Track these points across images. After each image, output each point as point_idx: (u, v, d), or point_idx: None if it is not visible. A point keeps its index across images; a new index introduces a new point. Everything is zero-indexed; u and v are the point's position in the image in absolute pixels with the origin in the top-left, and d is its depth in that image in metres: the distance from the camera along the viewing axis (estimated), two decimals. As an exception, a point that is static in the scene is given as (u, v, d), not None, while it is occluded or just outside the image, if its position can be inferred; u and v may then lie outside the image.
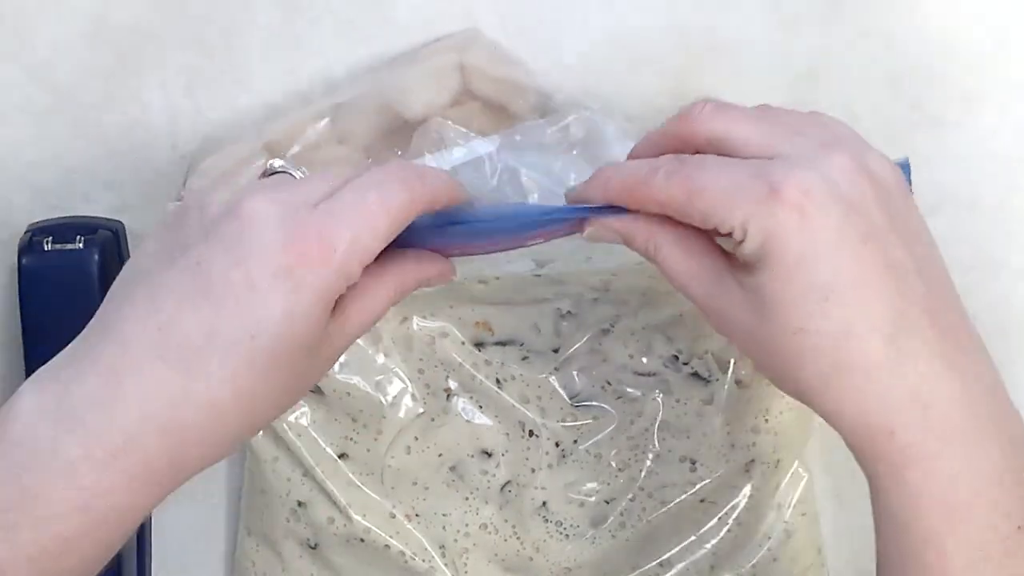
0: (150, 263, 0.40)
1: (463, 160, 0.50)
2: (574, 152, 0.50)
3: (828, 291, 0.38)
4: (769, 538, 0.57)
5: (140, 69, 0.55)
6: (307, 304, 0.39)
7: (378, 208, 0.39)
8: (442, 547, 0.56)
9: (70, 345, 0.40)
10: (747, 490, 0.56)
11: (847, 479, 0.60)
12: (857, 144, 0.41)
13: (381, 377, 0.55)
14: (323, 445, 0.55)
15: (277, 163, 0.45)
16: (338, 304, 0.40)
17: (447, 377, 0.55)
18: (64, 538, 0.37)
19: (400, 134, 0.53)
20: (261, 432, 0.56)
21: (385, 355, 0.55)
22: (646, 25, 0.55)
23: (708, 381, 0.55)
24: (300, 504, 0.56)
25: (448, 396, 0.55)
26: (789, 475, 0.57)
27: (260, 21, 0.55)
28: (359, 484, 0.55)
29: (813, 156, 0.39)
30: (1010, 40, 0.57)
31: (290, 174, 0.44)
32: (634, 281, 0.53)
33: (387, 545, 0.56)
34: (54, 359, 0.40)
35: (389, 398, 0.55)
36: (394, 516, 0.56)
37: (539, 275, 0.53)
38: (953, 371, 0.39)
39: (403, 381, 0.55)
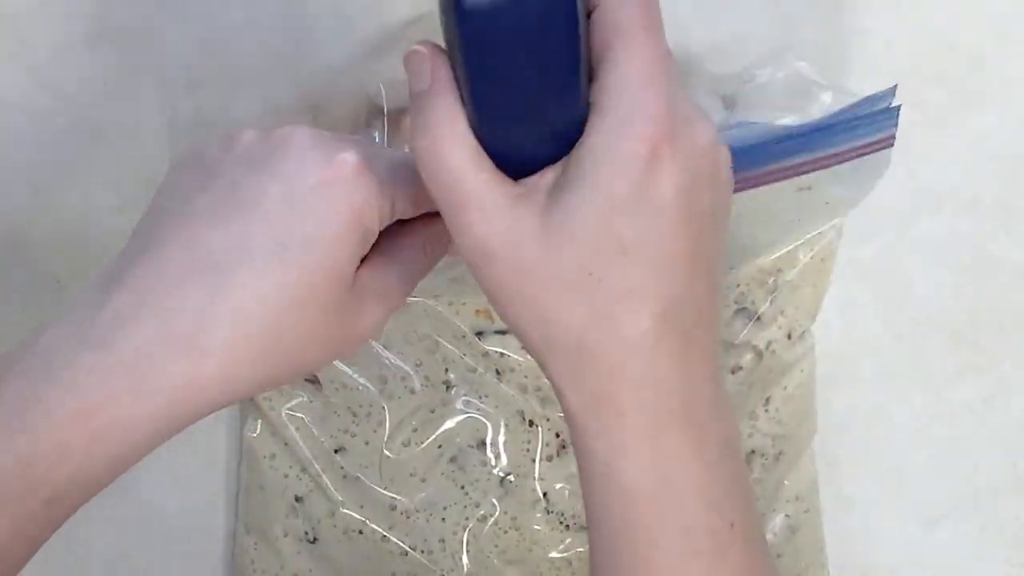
0: (180, 192, 0.40)
1: None
2: None
3: (631, 246, 0.36)
4: (775, 534, 0.57)
5: (140, 69, 0.55)
6: (340, 222, 0.38)
7: (411, 166, 0.39)
8: (442, 540, 0.56)
9: (106, 265, 0.40)
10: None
11: (847, 479, 0.60)
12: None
13: (380, 369, 0.55)
14: (320, 438, 0.55)
15: None
16: (359, 278, 0.40)
17: (446, 369, 0.55)
18: (63, 445, 0.37)
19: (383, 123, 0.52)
20: (259, 429, 0.57)
21: (384, 346, 0.55)
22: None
23: None
24: (298, 499, 0.56)
25: (447, 388, 0.55)
26: (794, 470, 0.57)
27: (260, 21, 0.55)
28: (358, 477, 0.56)
29: (686, 115, 0.37)
30: (1010, 40, 0.57)
31: None
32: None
33: (385, 537, 0.56)
34: (94, 277, 0.39)
35: (388, 390, 0.55)
36: (393, 508, 0.56)
37: None
38: (690, 365, 0.38)
39: (402, 372, 0.55)
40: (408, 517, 0.56)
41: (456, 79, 0.36)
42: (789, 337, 0.55)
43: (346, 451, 0.56)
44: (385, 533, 0.56)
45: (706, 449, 0.38)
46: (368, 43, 0.55)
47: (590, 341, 0.37)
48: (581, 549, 0.56)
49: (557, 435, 0.55)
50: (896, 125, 0.47)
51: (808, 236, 0.54)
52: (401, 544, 0.56)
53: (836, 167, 0.48)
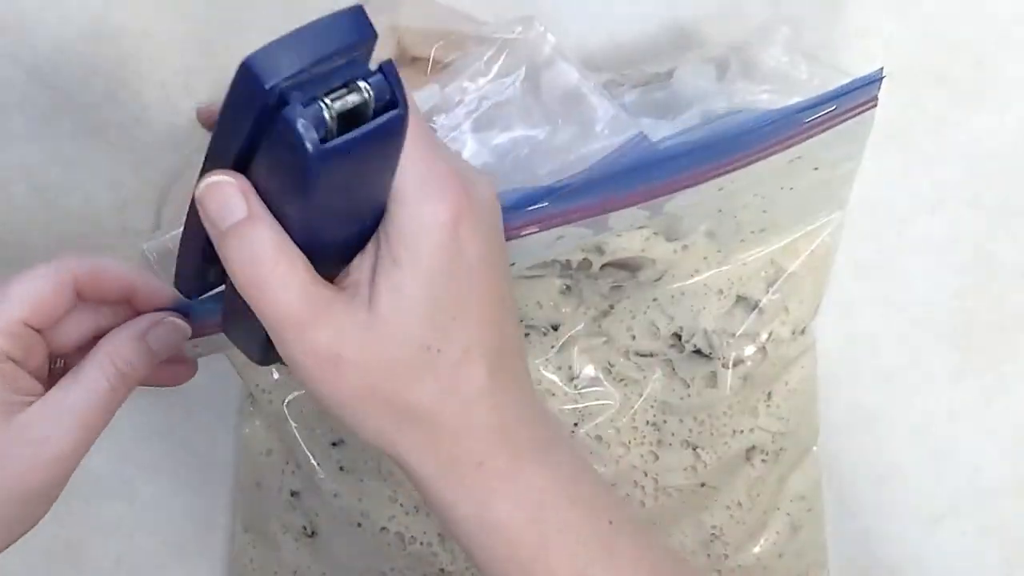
0: None
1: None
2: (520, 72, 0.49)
3: (458, 310, 0.38)
4: (778, 533, 0.57)
5: (140, 69, 0.55)
6: None
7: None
8: (440, 532, 0.56)
9: None
10: (748, 477, 0.56)
11: (847, 479, 0.60)
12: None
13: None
14: (318, 432, 0.55)
15: None
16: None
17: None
18: None
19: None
20: (255, 426, 0.57)
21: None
22: (645, 23, 0.55)
23: (710, 358, 0.55)
24: (294, 494, 0.56)
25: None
26: (797, 469, 0.57)
27: (260, 21, 0.55)
28: (355, 470, 0.55)
29: (466, 173, 0.39)
30: (1010, 40, 0.57)
31: None
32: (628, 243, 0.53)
33: (384, 528, 0.56)
34: None
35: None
36: (393, 500, 0.56)
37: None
38: (523, 397, 0.41)
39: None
40: (407, 508, 0.56)
41: (268, 202, 0.36)
42: (792, 333, 0.55)
43: (344, 444, 0.56)
44: (384, 525, 0.56)
45: (562, 465, 0.41)
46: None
47: (439, 411, 0.38)
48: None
49: (558, 428, 0.56)
50: (879, 87, 0.47)
51: (808, 229, 0.54)
52: (401, 535, 0.56)
53: (823, 135, 0.48)
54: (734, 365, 0.55)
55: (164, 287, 0.43)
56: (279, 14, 0.55)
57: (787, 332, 0.55)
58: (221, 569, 0.61)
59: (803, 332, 0.56)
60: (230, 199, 0.36)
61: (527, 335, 0.55)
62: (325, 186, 0.35)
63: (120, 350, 0.43)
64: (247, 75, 0.33)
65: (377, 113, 0.34)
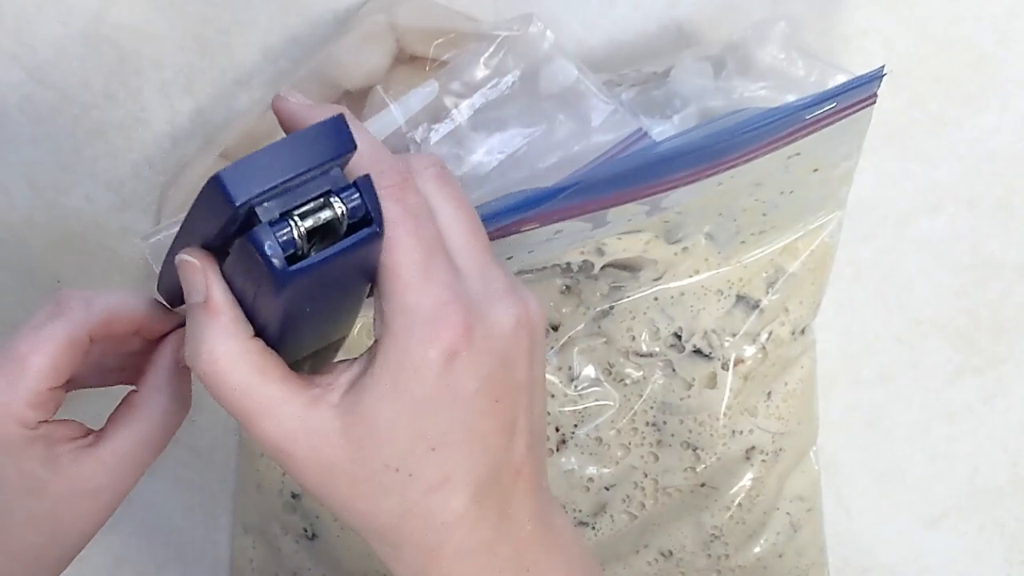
0: None
1: (438, 138, 0.49)
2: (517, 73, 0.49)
3: (440, 441, 0.35)
4: (778, 533, 0.57)
5: (140, 69, 0.55)
6: None
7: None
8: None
9: None
10: (748, 478, 0.56)
11: (847, 479, 0.60)
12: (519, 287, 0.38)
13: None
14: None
15: None
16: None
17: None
18: None
19: (350, 106, 0.50)
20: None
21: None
22: (645, 23, 0.55)
23: (710, 358, 0.55)
24: (294, 496, 0.56)
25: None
26: (797, 470, 0.57)
27: (260, 21, 0.55)
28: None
29: (487, 297, 0.36)
30: (1010, 40, 0.57)
31: None
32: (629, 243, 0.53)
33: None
34: None
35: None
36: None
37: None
38: (513, 515, 0.38)
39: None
40: None
41: (236, 291, 0.36)
42: (792, 333, 0.55)
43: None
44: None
45: None
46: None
47: (405, 528, 0.36)
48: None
49: (557, 429, 0.55)
50: (879, 84, 0.47)
51: (808, 229, 0.54)
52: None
53: (821, 131, 0.48)
54: (734, 365, 0.55)
55: (172, 316, 0.42)
56: (279, 14, 0.54)
57: (787, 332, 0.55)
58: (221, 570, 0.61)
59: (803, 332, 0.56)
60: (192, 278, 0.36)
61: None
62: (294, 295, 0.34)
63: (165, 388, 0.41)
64: (216, 191, 0.32)
65: (352, 228, 0.34)
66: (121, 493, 0.41)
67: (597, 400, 0.55)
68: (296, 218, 0.33)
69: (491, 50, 0.49)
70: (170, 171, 0.56)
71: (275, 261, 0.33)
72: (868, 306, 0.59)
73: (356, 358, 0.37)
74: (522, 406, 0.37)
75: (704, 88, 0.50)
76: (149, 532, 0.60)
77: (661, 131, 0.48)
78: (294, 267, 0.33)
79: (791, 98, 0.49)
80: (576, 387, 0.55)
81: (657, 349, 0.55)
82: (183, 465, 0.60)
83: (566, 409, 0.55)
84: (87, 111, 0.56)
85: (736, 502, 0.56)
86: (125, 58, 0.55)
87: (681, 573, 0.57)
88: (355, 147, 0.33)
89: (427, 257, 0.35)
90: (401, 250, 0.35)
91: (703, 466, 0.55)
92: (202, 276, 0.35)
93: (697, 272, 0.54)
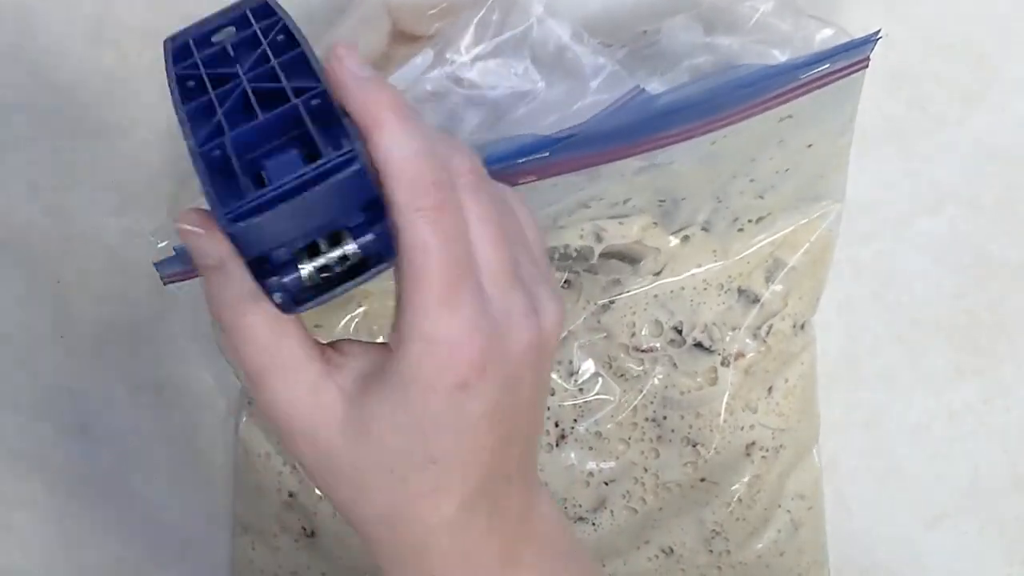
0: None
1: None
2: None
3: (439, 457, 0.36)
4: (779, 531, 0.57)
5: (140, 69, 0.55)
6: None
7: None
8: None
9: None
10: (748, 474, 0.56)
11: (847, 479, 0.60)
12: (545, 289, 0.37)
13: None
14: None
15: None
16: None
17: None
18: None
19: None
20: (253, 429, 0.57)
21: (383, 337, 0.55)
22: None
23: (711, 351, 0.55)
24: (291, 495, 0.56)
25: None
26: (797, 468, 0.57)
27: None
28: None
29: (506, 319, 0.35)
30: (1010, 40, 0.57)
31: None
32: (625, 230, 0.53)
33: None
34: None
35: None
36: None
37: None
38: (502, 519, 0.38)
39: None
40: None
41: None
42: (793, 327, 0.55)
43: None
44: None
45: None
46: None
47: (393, 522, 0.37)
48: (582, 540, 0.56)
49: (557, 424, 0.55)
50: (872, 48, 0.47)
51: (808, 218, 0.54)
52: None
53: (815, 92, 0.48)
54: (735, 359, 0.55)
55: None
56: (279, 14, 0.54)
57: (788, 327, 0.55)
58: (221, 569, 0.61)
59: (803, 328, 0.56)
60: (199, 245, 0.36)
61: None
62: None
63: None
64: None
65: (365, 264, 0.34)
66: None
67: (597, 395, 0.55)
68: (307, 267, 0.34)
69: (483, 14, 0.49)
70: (170, 171, 0.56)
71: (282, 304, 0.34)
72: (868, 306, 0.59)
73: (372, 344, 0.37)
74: (523, 420, 0.37)
75: (694, 45, 0.50)
76: (149, 532, 0.60)
77: (653, 88, 0.48)
78: (301, 307, 0.34)
79: (777, 53, 0.49)
80: (576, 382, 0.55)
81: (657, 344, 0.55)
82: (183, 465, 0.60)
83: (566, 404, 0.55)
84: (87, 111, 0.56)
85: (736, 498, 0.56)
86: (125, 59, 0.55)
87: (682, 570, 0.57)
88: (375, 194, 0.34)
89: (454, 286, 0.34)
90: (427, 279, 0.34)
91: (703, 461, 0.56)
92: (206, 239, 0.36)
93: (698, 266, 0.54)
